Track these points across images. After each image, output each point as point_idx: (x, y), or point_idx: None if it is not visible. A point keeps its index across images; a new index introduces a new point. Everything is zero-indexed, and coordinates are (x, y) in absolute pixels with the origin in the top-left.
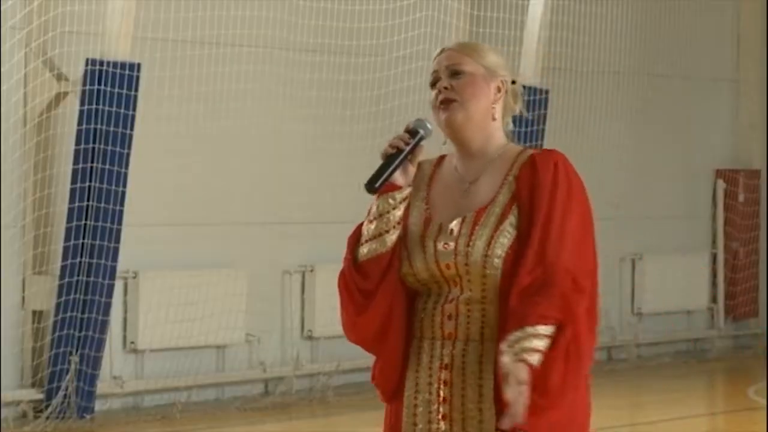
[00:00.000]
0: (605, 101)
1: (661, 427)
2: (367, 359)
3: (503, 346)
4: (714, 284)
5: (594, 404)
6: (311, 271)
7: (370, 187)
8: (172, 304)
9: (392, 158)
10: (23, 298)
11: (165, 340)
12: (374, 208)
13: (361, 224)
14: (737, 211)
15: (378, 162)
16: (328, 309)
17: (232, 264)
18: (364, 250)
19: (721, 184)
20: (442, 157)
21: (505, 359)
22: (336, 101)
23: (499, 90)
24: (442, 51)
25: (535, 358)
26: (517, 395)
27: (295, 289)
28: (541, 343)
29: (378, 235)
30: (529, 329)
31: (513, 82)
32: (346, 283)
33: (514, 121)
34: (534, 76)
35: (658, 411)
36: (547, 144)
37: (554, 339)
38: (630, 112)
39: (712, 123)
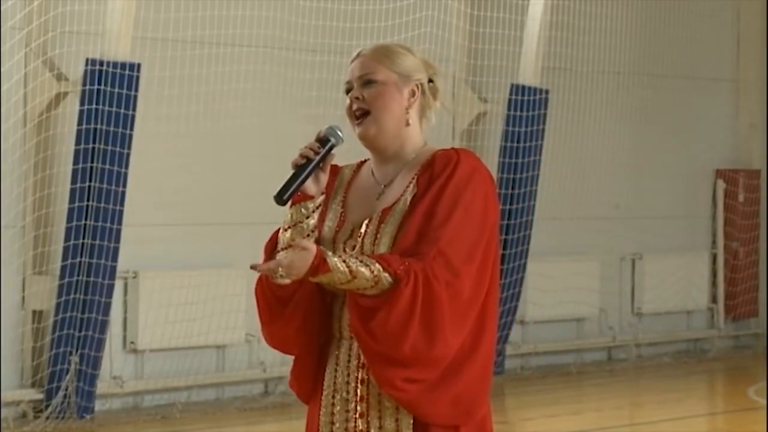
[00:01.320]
0: (605, 101)
1: (661, 427)
2: None
3: None
4: (714, 284)
5: (594, 404)
6: None
7: (279, 199)
8: (172, 304)
9: (302, 168)
10: (23, 298)
11: (165, 340)
12: (288, 217)
13: (278, 231)
14: (737, 211)
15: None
16: None
17: (232, 264)
18: None
19: (721, 184)
20: (362, 162)
21: None
22: (336, 101)
23: (413, 94)
24: (357, 56)
25: (335, 260)
26: (291, 252)
27: None
28: (356, 265)
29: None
30: (365, 258)
31: (430, 81)
32: (263, 290)
33: (513, 123)
34: (534, 76)
35: (658, 411)
36: (548, 144)
37: (391, 291)
38: (630, 112)
39: (712, 123)
